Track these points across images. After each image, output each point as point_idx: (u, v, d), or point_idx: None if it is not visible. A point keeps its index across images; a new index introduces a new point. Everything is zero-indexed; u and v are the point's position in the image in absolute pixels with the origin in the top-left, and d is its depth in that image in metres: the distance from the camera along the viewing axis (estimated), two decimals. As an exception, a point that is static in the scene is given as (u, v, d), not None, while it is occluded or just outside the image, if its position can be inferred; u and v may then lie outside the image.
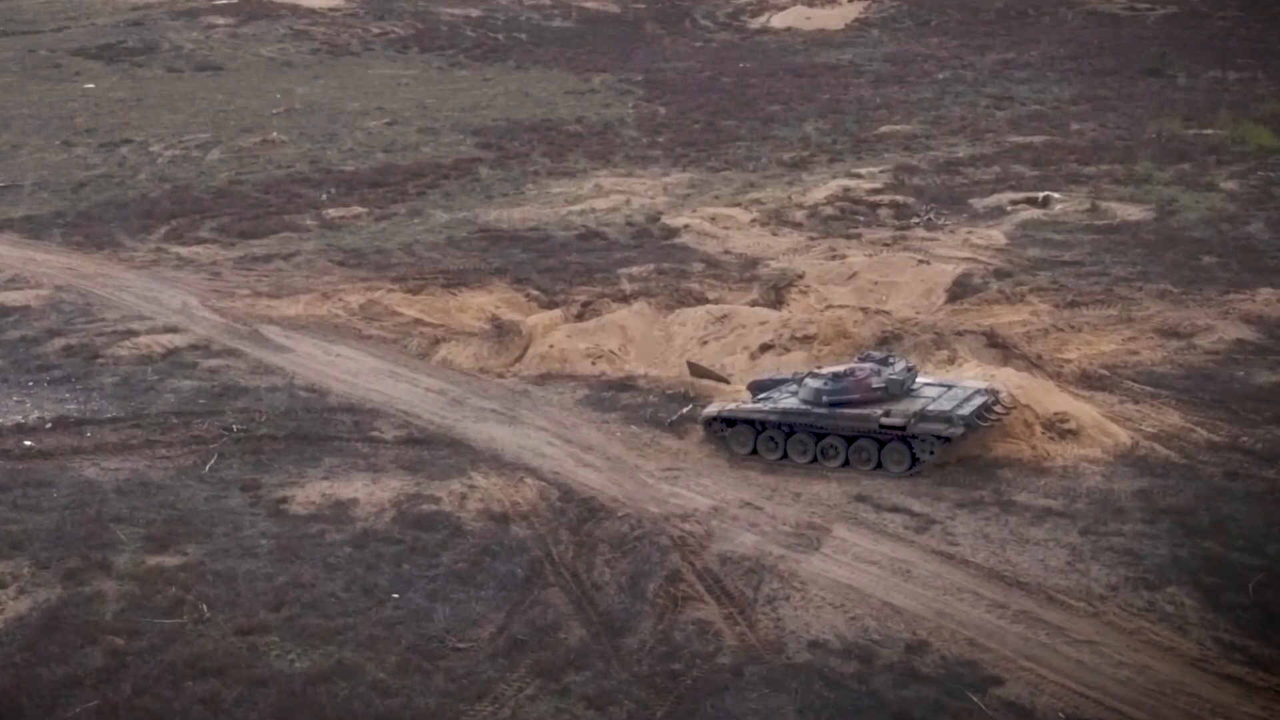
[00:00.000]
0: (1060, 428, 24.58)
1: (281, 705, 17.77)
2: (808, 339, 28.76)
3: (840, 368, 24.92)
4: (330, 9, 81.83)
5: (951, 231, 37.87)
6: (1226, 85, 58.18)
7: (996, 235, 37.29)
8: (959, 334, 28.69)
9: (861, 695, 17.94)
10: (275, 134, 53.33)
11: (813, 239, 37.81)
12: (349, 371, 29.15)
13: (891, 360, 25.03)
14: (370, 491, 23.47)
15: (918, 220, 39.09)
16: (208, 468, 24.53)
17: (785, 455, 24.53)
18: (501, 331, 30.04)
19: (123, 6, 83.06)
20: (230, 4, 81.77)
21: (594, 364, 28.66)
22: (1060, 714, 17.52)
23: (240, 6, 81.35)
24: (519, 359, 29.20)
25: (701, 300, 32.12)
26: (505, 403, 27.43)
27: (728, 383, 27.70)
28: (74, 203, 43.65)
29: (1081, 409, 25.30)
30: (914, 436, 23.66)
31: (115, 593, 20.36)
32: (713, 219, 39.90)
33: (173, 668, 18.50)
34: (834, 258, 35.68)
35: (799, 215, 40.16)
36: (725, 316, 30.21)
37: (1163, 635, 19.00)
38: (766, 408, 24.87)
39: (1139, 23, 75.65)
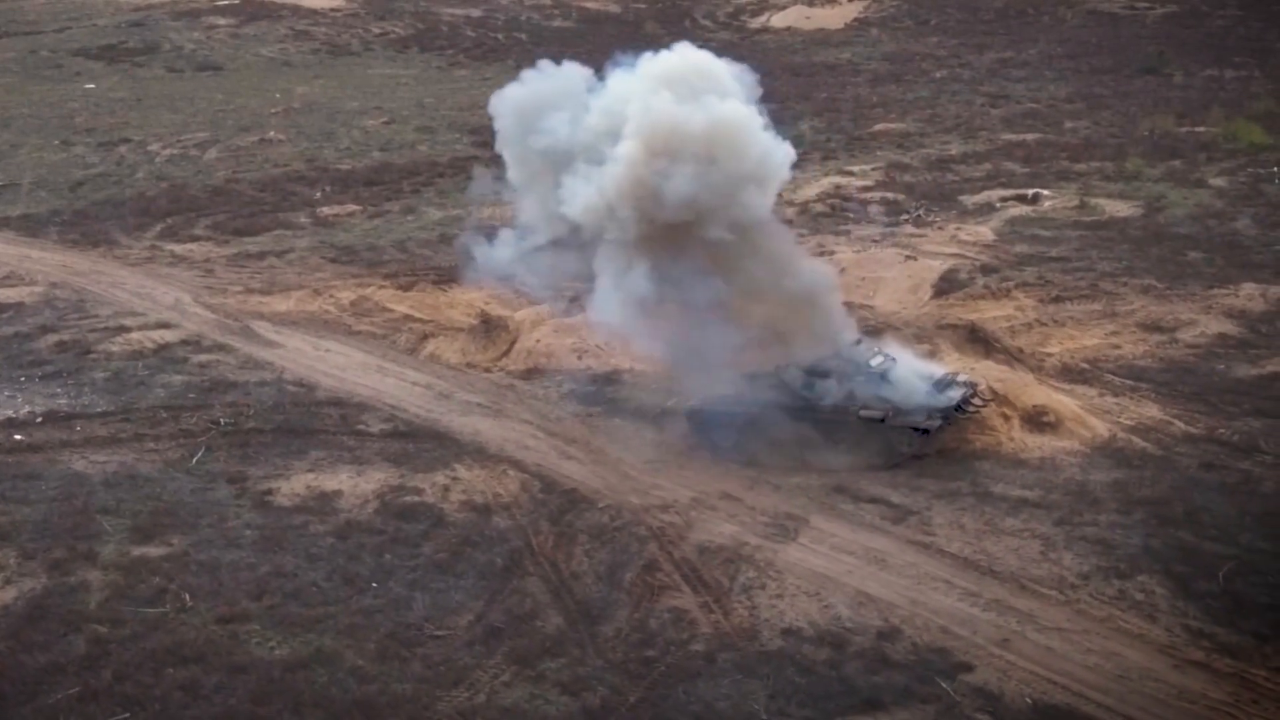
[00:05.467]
0: (1039, 420, 24.78)
1: (259, 691, 18.07)
2: (793, 333, 28.90)
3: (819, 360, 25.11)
4: (331, 9, 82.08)
5: (940, 228, 38.07)
6: (1223, 83, 58.24)
7: (985, 231, 37.47)
8: (941, 328, 28.92)
9: (832, 681, 18.20)
10: (273, 133, 53.61)
11: (802, 235, 37.92)
12: (338, 366, 29.41)
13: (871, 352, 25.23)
14: (355, 483, 23.75)
15: (907, 217, 39.26)
16: (195, 461, 24.82)
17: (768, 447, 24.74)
18: (489, 327, 30.31)
19: (124, 7, 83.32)
20: (231, 5, 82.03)
21: (580, 358, 28.91)
22: (1028, 699, 17.76)
23: (241, 7, 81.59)
24: (506, 354, 29.45)
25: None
26: (491, 396, 27.69)
27: (713, 377, 27.89)
28: (71, 201, 43.94)
29: (1061, 402, 25.52)
30: (892, 428, 23.88)
31: (100, 582, 20.67)
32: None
33: (154, 655, 18.83)
34: (823, 254, 35.84)
35: (789, 212, 40.30)
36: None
37: (1132, 623, 19.24)
38: (748, 401, 25.10)
39: (1138, 22, 75.69)
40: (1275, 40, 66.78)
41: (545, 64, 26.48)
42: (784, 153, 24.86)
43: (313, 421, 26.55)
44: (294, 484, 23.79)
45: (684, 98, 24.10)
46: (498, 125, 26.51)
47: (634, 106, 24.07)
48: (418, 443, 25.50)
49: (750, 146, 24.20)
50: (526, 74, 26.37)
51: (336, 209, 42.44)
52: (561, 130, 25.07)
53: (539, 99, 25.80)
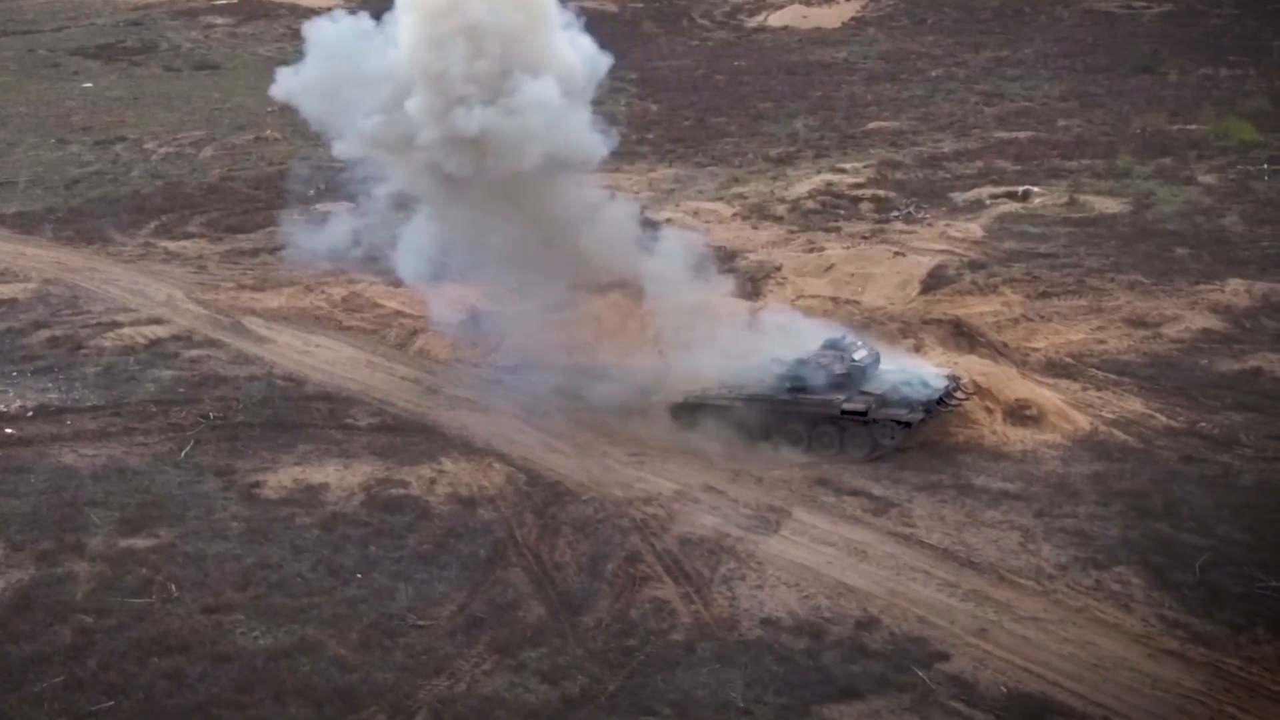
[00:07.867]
0: (1021, 413, 24.96)
1: (243, 680, 18.27)
2: (779, 329, 29.05)
3: (803, 354, 25.31)
4: (329, 9, 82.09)
5: (930, 225, 38.20)
6: (1217, 82, 58.28)
7: (974, 228, 37.57)
8: (926, 323, 29.10)
9: (810, 670, 18.39)
10: (269, 131, 53.71)
11: (792, 232, 38.16)
12: (327, 361, 29.63)
13: (855, 346, 25.41)
14: (341, 476, 23.94)
15: (897, 214, 39.41)
16: (184, 454, 25.04)
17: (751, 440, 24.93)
18: (479, 322, 30.44)
19: (122, 6, 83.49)
20: (229, 4, 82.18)
21: (567, 354, 29.01)
22: (1002, 688, 17.93)
23: (239, 6, 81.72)
24: (495, 349, 29.60)
25: (677, 292, 32.38)
26: (479, 391, 27.90)
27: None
28: (66, 199, 44.13)
29: (1043, 396, 25.69)
30: (874, 421, 24.07)
31: (87, 573, 20.88)
32: (695, 213, 40.24)
33: (139, 644, 19.04)
34: (812, 250, 36.03)
35: (780, 209, 40.50)
36: (699, 307, 30.49)
37: (1108, 613, 19.43)
38: (732, 394, 25.31)
39: (1134, 20, 75.70)
40: (1271, 39, 66.81)
41: (337, 16, 27.12)
42: (590, 145, 25.77)
43: (301, 415, 26.74)
44: (281, 477, 23.99)
45: (467, 83, 24.68)
46: (297, 106, 27.22)
47: (410, 104, 24.82)
48: (405, 436, 25.71)
49: (534, 149, 24.89)
50: (308, 35, 26.81)
51: (330, 206, 42.48)
52: (355, 120, 25.91)
53: (325, 81, 26.30)
